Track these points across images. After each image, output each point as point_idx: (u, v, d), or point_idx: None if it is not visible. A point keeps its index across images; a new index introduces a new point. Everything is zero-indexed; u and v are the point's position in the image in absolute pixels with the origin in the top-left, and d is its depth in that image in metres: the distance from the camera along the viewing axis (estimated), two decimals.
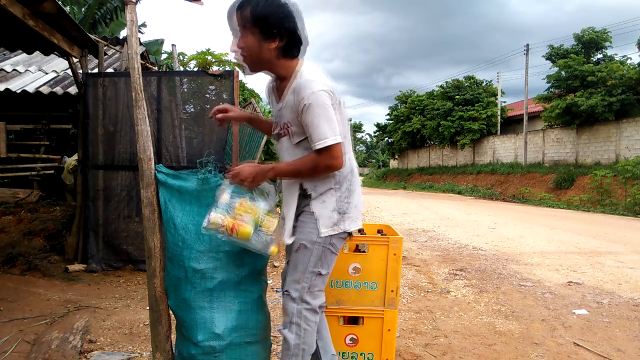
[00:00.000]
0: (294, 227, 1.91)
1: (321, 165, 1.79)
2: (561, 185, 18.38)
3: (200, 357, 1.90)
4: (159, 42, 13.19)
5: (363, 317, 2.32)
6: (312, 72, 1.81)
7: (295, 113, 1.81)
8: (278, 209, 2.01)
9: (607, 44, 19.75)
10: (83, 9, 11.37)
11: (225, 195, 1.84)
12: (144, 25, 13.92)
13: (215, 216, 1.78)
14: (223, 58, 11.33)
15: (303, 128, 1.82)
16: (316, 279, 1.88)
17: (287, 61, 1.82)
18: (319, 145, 1.75)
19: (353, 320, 2.36)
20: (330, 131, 1.74)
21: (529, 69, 23.80)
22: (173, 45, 13.71)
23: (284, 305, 1.88)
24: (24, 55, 7.87)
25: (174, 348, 2.11)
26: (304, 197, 1.91)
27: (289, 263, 2.03)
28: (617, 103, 17.46)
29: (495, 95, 27.94)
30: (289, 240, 1.90)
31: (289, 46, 1.79)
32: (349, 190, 1.92)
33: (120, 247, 4.68)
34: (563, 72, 19.31)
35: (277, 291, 4.11)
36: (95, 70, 6.13)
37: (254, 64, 1.82)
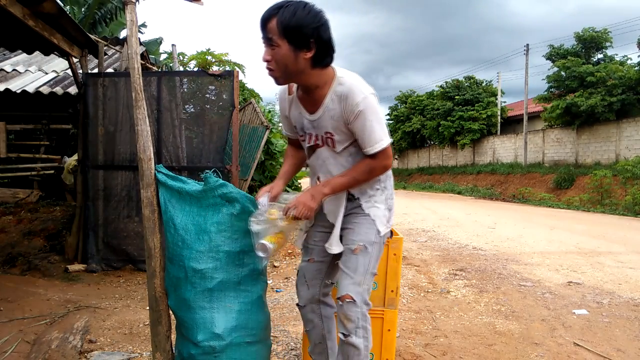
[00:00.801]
0: (343, 230, 1.88)
1: (379, 167, 1.80)
2: (561, 185, 18.40)
3: (200, 357, 1.90)
4: (158, 42, 13.20)
5: None
6: (352, 76, 1.76)
7: (341, 120, 1.76)
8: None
9: (607, 44, 19.75)
10: (83, 9, 11.37)
11: (271, 237, 1.79)
12: (144, 25, 13.92)
13: (269, 245, 1.76)
14: (223, 58, 11.32)
15: (347, 135, 1.79)
16: (371, 279, 1.86)
17: (320, 70, 1.73)
18: (377, 148, 1.75)
19: None
20: (383, 133, 1.76)
21: (529, 69, 23.85)
22: (173, 45, 13.71)
23: (345, 312, 1.77)
24: (24, 55, 7.87)
25: (174, 348, 2.11)
26: (350, 201, 1.90)
27: (311, 261, 2.00)
28: (617, 103, 17.47)
29: (495, 95, 27.95)
30: (337, 249, 1.85)
31: (324, 55, 1.70)
32: (392, 187, 1.98)
33: (120, 247, 4.68)
34: (563, 73, 19.32)
35: (277, 291, 4.11)
36: (95, 70, 6.13)
37: (286, 74, 1.71)
